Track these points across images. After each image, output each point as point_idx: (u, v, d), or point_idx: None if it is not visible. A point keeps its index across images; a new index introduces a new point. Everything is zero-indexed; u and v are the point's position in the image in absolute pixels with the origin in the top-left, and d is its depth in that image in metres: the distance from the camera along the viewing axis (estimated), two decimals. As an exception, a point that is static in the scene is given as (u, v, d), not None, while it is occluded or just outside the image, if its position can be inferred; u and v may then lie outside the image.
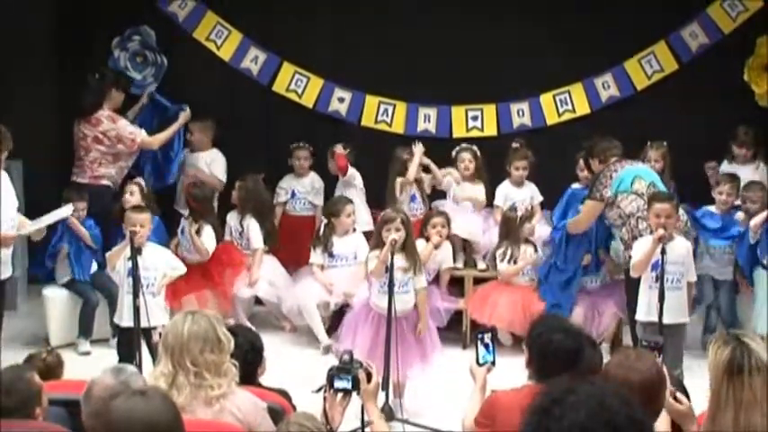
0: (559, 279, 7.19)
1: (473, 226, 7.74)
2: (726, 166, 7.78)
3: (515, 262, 7.32)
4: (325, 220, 7.62)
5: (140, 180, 7.72)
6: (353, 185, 7.98)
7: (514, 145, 7.92)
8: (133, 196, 7.35)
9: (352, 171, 7.94)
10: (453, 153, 7.89)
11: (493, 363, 4.09)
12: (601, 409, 2.14)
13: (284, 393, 4.29)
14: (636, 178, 6.56)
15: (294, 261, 7.95)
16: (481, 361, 4.09)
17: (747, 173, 7.61)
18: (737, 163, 7.75)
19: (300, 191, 8.23)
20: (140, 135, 7.75)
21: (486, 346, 4.09)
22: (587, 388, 2.21)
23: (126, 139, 7.68)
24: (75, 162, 7.82)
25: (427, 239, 7.22)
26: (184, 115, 8.05)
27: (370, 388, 3.81)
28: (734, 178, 7.40)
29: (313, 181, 8.26)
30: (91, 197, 7.43)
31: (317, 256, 7.54)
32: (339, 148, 8.02)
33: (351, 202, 7.66)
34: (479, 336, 4.15)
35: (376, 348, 5.88)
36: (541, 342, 3.67)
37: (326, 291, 7.41)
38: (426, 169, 7.94)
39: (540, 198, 7.83)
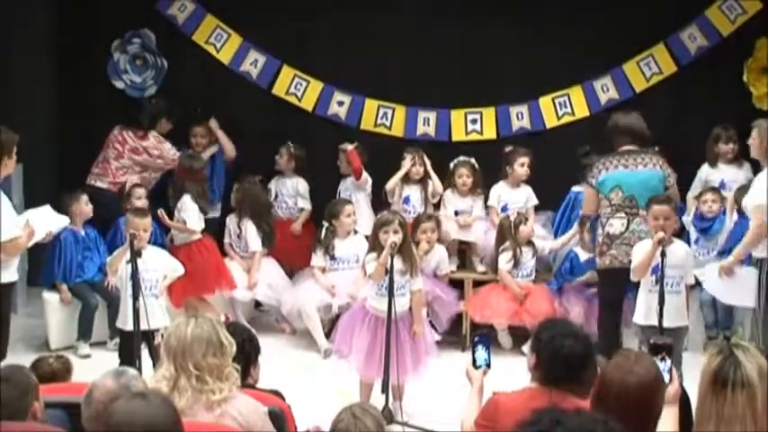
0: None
1: (475, 227, 7.73)
2: (707, 171, 7.61)
3: (517, 264, 7.33)
4: (325, 224, 7.58)
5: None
6: (363, 189, 7.96)
7: (507, 149, 7.84)
8: (139, 200, 7.40)
9: (365, 176, 7.89)
10: (451, 166, 7.79)
11: (488, 365, 4.09)
12: None
13: (278, 394, 4.28)
14: (615, 188, 6.53)
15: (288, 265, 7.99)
16: (478, 363, 4.09)
17: (731, 174, 7.51)
18: (722, 163, 7.58)
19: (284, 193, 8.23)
20: None
21: (483, 348, 4.10)
22: (574, 420, 2.19)
23: (167, 158, 7.99)
24: (98, 165, 7.92)
25: (417, 244, 7.19)
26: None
27: None
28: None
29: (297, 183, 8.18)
30: (109, 202, 7.54)
31: (318, 259, 7.53)
32: (348, 145, 7.98)
33: (350, 202, 7.66)
34: (476, 338, 4.16)
35: (374, 351, 5.90)
36: (552, 347, 3.65)
37: (329, 293, 7.41)
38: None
39: (536, 201, 7.76)
